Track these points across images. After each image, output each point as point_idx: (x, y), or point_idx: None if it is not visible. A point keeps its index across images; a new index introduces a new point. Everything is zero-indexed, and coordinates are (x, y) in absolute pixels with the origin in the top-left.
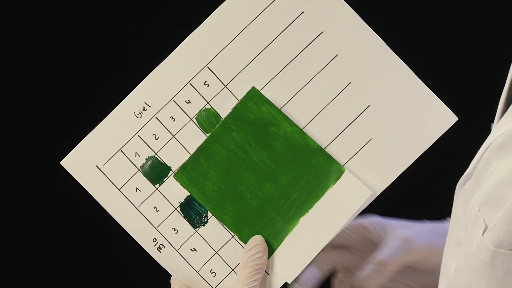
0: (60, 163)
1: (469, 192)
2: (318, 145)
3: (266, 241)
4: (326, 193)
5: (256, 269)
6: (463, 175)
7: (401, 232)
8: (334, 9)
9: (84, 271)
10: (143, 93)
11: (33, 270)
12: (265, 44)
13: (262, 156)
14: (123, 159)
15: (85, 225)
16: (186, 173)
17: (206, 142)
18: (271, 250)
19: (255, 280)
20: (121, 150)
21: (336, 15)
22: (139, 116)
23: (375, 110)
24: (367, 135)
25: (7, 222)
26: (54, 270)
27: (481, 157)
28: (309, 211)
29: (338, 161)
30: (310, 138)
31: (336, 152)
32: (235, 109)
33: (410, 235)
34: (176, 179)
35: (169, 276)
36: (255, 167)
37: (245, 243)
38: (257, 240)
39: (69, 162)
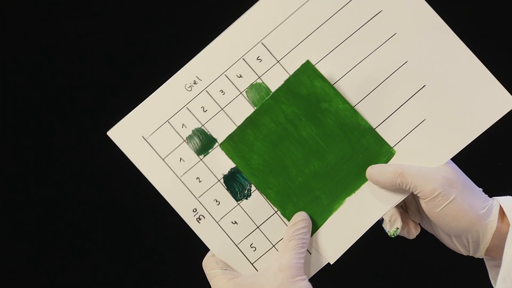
0: (107, 133)
1: None
2: (369, 125)
3: (312, 222)
4: None
5: (302, 243)
6: None
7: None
8: None
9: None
10: (195, 67)
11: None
12: (322, 21)
13: (311, 132)
14: (170, 130)
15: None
16: (232, 144)
17: (255, 113)
18: (314, 228)
19: (301, 253)
20: (168, 122)
21: None
22: (189, 89)
23: (430, 90)
24: (420, 115)
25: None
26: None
27: None
28: (356, 191)
29: (389, 141)
30: (361, 117)
31: (388, 132)
32: (287, 81)
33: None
34: (222, 149)
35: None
36: (303, 142)
37: (288, 220)
38: (302, 215)
39: (115, 133)
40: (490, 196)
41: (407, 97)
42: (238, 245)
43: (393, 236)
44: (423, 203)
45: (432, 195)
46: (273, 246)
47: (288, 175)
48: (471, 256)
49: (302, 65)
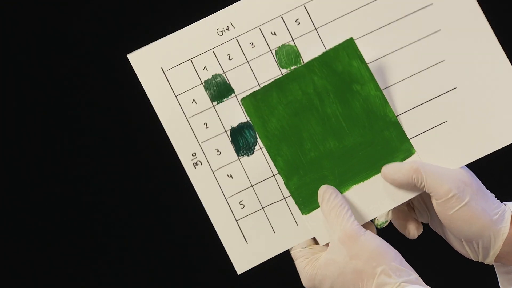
0: (127, 55)
1: None
2: (396, 118)
3: (312, 198)
4: None
5: (341, 206)
6: None
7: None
8: None
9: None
10: (232, 14)
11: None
12: (367, 1)
13: (336, 110)
14: (190, 69)
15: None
16: (254, 101)
17: (285, 77)
18: (313, 207)
19: (346, 213)
20: (191, 60)
21: None
22: (220, 34)
23: (460, 94)
24: (443, 116)
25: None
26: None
27: None
28: (365, 181)
29: (407, 133)
30: (390, 108)
31: (407, 124)
32: (325, 54)
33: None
34: (242, 104)
35: None
36: (325, 118)
37: (290, 191)
38: (324, 187)
39: (135, 58)
40: (501, 201)
41: (435, 95)
42: (227, 199)
43: (379, 227)
44: (435, 204)
45: (446, 196)
46: (262, 208)
47: (302, 147)
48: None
49: (345, 41)
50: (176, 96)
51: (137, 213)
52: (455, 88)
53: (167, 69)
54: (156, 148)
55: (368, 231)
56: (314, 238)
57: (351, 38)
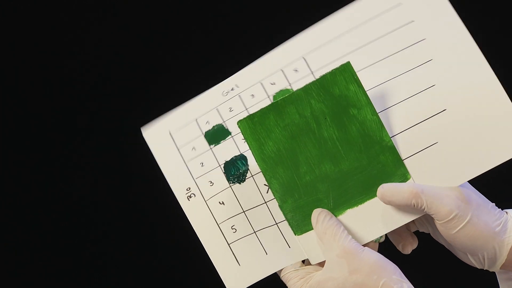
0: (141, 129)
1: None
2: (392, 143)
3: (305, 221)
4: None
5: (336, 225)
6: None
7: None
8: (439, 15)
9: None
10: (238, 78)
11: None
12: (366, 42)
13: (332, 134)
14: (194, 126)
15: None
16: (251, 124)
17: (282, 100)
18: (307, 229)
19: (343, 232)
20: (196, 120)
21: (442, 23)
22: (225, 94)
23: (450, 116)
24: (433, 138)
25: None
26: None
27: None
28: (359, 205)
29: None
30: (387, 133)
31: (400, 145)
32: (323, 78)
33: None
34: (239, 126)
35: None
36: (322, 142)
37: (284, 214)
38: (318, 210)
39: (148, 131)
40: (502, 208)
41: (425, 117)
42: (219, 224)
43: (375, 242)
44: (437, 224)
45: (448, 217)
46: (254, 232)
47: (297, 171)
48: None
49: (342, 65)
50: (178, 148)
51: (133, 242)
52: (444, 110)
53: (173, 131)
54: (151, 179)
55: (366, 247)
56: (303, 261)
57: (348, 62)
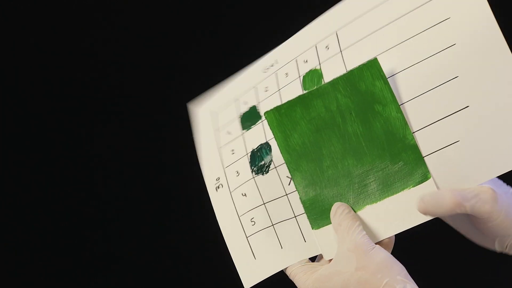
0: (186, 104)
1: None
2: (414, 141)
3: (324, 215)
4: (401, 191)
5: (352, 219)
6: None
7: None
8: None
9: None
10: (279, 52)
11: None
12: (392, 19)
13: (357, 129)
14: (233, 107)
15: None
16: (277, 115)
17: (309, 93)
18: (325, 223)
19: (358, 227)
20: (236, 100)
21: (467, 4)
22: (265, 71)
23: (472, 113)
24: (455, 135)
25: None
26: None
27: None
28: (378, 202)
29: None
30: (410, 131)
31: (419, 143)
32: (350, 73)
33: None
34: (266, 117)
35: None
36: (346, 137)
37: (304, 207)
38: (338, 203)
39: (194, 105)
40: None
41: (447, 113)
42: (240, 217)
43: None
44: (474, 220)
45: (487, 215)
46: (272, 225)
47: (321, 164)
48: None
49: (369, 62)
50: (213, 130)
51: (150, 228)
52: (467, 107)
53: (213, 109)
54: (180, 164)
55: (377, 245)
56: (310, 259)
57: (376, 59)
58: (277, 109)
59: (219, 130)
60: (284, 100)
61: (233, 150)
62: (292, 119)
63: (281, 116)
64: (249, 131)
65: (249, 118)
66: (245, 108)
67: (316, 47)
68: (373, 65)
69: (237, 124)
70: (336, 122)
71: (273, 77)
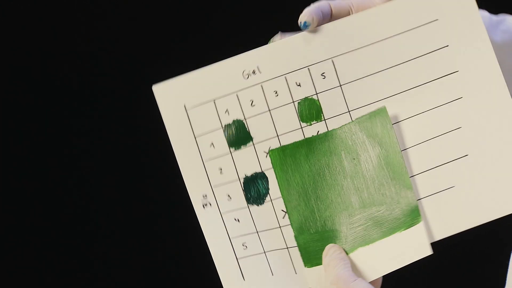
0: (152, 86)
1: None
2: (411, 186)
3: (318, 255)
4: (393, 234)
5: (341, 258)
6: None
7: None
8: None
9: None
10: (260, 57)
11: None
12: (400, 60)
13: (359, 174)
14: (212, 110)
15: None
16: (282, 155)
17: (317, 137)
18: (316, 263)
19: (345, 264)
20: (214, 101)
21: (475, 56)
22: (246, 77)
23: (470, 163)
24: (451, 181)
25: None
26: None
27: None
28: (370, 244)
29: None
30: (408, 176)
31: (414, 186)
32: (360, 120)
33: None
34: (270, 155)
35: None
36: (348, 181)
37: (298, 245)
38: (331, 245)
39: (160, 90)
40: None
41: (446, 160)
42: (231, 239)
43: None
44: None
45: None
46: (264, 252)
47: (318, 205)
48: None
49: (378, 110)
50: (195, 137)
51: (138, 240)
52: (466, 155)
53: (189, 107)
54: (166, 179)
55: (360, 278)
56: None
57: (384, 107)
58: (283, 149)
59: (201, 138)
60: (278, 125)
61: (220, 168)
62: (296, 160)
63: (285, 156)
64: (239, 152)
65: (237, 135)
66: (228, 120)
67: (309, 70)
68: (381, 113)
69: (222, 137)
70: (340, 166)
71: (258, 89)
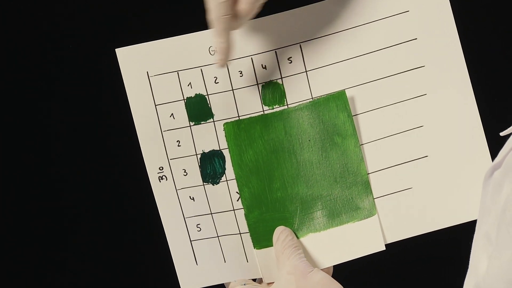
0: (115, 49)
1: (498, 182)
2: (367, 178)
3: (267, 236)
4: (346, 224)
5: (295, 247)
6: (491, 164)
7: None
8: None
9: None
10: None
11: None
12: (367, 50)
13: (312, 157)
14: (175, 82)
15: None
16: (237, 129)
17: (272, 114)
18: (267, 244)
19: (300, 253)
20: (177, 72)
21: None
22: (212, 53)
23: (429, 164)
24: (409, 182)
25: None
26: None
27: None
28: (321, 231)
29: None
30: (364, 167)
31: (374, 183)
32: (316, 101)
33: None
34: (224, 128)
35: None
36: (300, 163)
37: (248, 224)
38: (281, 227)
39: (123, 54)
40: None
41: (405, 160)
42: (185, 218)
43: None
44: None
45: None
46: (217, 236)
47: (270, 185)
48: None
49: (337, 93)
50: (155, 105)
51: (95, 214)
52: (426, 156)
53: (152, 75)
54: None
55: (316, 268)
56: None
57: (343, 91)
58: (237, 122)
59: (161, 106)
60: (240, 106)
61: (178, 141)
62: (250, 135)
63: (240, 131)
64: (199, 127)
65: (198, 110)
66: (190, 93)
67: (276, 53)
68: (340, 97)
69: (183, 110)
70: (293, 147)
71: (223, 68)
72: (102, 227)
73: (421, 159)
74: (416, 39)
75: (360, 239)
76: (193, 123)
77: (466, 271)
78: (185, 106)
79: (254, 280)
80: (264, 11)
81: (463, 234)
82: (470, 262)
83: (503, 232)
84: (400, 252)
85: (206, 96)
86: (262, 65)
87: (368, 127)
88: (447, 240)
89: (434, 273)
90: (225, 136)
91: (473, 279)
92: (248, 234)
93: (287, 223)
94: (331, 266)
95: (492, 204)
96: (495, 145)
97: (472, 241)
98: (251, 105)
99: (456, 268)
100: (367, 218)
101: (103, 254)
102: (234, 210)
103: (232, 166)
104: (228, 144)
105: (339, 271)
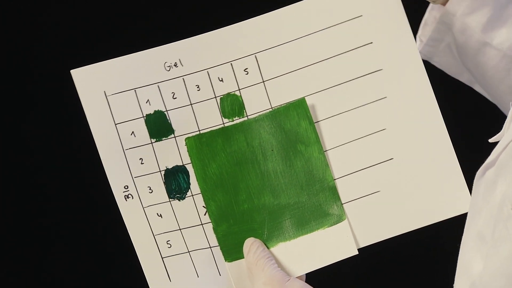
0: (70, 71)
1: (492, 181)
2: (334, 183)
3: (237, 248)
4: (316, 231)
5: (268, 258)
6: (483, 164)
7: None
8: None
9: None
10: (183, 50)
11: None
12: (323, 57)
13: (276, 167)
14: (133, 100)
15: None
16: (198, 143)
17: (233, 126)
18: (237, 257)
19: (273, 264)
20: (135, 90)
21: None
22: (168, 69)
23: (395, 166)
24: (376, 186)
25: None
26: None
27: (506, 146)
28: (292, 240)
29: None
30: (330, 173)
31: (342, 188)
32: (276, 111)
33: None
34: (186, 143)
35: None
36: (265, 173)
37: (217, 237)
38: (251, 239)
39: (79, 74)
40: None
41: (371, 164)
42: (155, 236)
43: None
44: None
45: None
46: (188, 252)
47: (236, 197)
48: None
49: (297, 101)
50: (115, 125)
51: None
52: (391, 159)
53: (109, 94)
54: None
55: (292, 277)
56: None
57: (303, 99)
58: (199, 137)
59: (121, 126)
60: (200, 120)
61: (141, 159)
62: (212, 149)
63: (202, 145)
64: (160, 143)
65: (158, 126)
66: (149, 110)
67: (232, 65)
68: (300, 104)
69: (143, 127)
70: (256, 158)
71: (179, 82)
72: (102, 228)
73: (386, 162)
74: (371, 43)
75: (331, 245)
76: (155, 139)
77: (449, 271)
78: (145, 123)
79: None
80: (219, 23)
81: (443, 233)
82: (458, 263)
83: (500, 228)
84: (372, 256)
85: (165, 112)
86: (218, 77)
87: (331, 133)
88: (424, 240)
89: (411, 274)
90: (188, 151)
91: (467, 280)
92: (219, 247)
93: (257, 234)
94: (303, 274)
95: (484, 203)
96: (459, 140)
97: (460, 243)
98: (211, 118)
99: (434, 269)
100: (337, 223)
101: (103, 254)
102: (202, 224)
103: (197, 180)
104: (191, 159)
105: (312, 277)
